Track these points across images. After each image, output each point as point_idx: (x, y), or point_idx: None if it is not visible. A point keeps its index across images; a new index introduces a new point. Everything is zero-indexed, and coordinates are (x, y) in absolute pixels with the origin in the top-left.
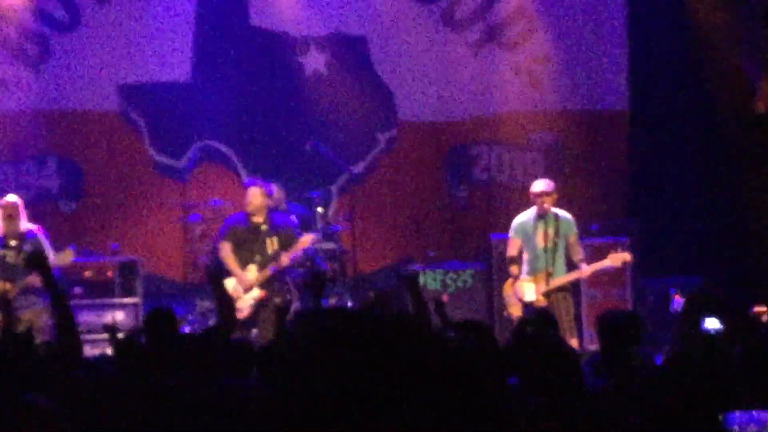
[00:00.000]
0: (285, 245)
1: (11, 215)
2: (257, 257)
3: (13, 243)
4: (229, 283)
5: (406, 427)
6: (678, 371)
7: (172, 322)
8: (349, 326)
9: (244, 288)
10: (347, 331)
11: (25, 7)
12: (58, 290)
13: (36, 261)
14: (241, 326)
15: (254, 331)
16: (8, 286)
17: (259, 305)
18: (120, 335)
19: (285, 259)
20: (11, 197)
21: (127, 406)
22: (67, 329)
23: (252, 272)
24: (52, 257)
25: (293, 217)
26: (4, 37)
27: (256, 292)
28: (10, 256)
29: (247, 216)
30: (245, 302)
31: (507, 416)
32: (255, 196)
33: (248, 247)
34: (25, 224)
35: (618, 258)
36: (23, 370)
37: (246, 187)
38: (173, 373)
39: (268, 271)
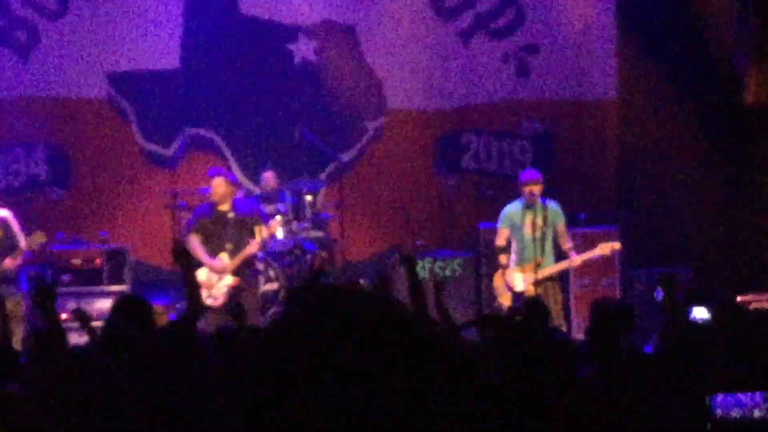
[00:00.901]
0: (251, 232)
1: None
2: (228, 245)
3: None
4: (201, 274)
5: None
6: (665, 357)
7: (145, 312)
8: (344, 305)
9: (217, 274)
10: (341, 310)
11: None
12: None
13: None
14: (219, 314)
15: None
16: None
17: (234, 292)
18: (96, 323)
19: (254, 246)
20: None
21: (115, 396)
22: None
23: (224, 259)
24: (23, 241)
25: (281, 205)
26: None
27: (230, 279)
28: None
29: (213, 206)
30: (219, 290)
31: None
32: (219, 186)
33: (217, 236)
34: None
35: (607, 247)
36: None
37: (209, 177)
38: (155, 364)
39: (239, 259)
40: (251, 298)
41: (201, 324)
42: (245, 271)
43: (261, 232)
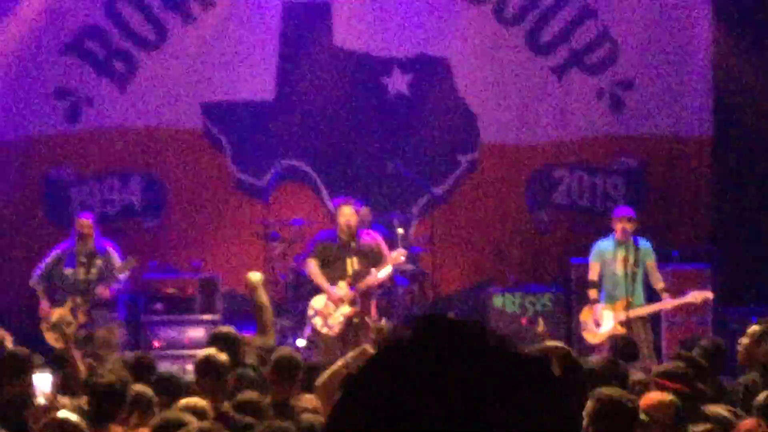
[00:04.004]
0: (373, 263)
1: (84, 234)
2: (348, 274)
3: (84, 260)
4: (318, 301)
5: None
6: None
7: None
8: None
9: (335, 304)
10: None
11: (112, 25)
12: None
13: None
14: (334, 343)
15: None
16: (79, 300)
17: (349, 322)
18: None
19: (373, 279)
20: (84, 217)
21: None
22: None
23: (342, 288)
24: (118, 269)
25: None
26: (91, 54)
27: (347, 309)
28: (82, 273)
29: (336, 232)
30: (335, 319)
31: None
32: (347, 215)
33: (338, 264)
34: (97, 241)
35: (700, 296)
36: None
37: (336, 205)
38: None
39: (356, 290)
40: (367, 330)
41: (315, 352)
42: (364, 302)
43: (389, 261)
